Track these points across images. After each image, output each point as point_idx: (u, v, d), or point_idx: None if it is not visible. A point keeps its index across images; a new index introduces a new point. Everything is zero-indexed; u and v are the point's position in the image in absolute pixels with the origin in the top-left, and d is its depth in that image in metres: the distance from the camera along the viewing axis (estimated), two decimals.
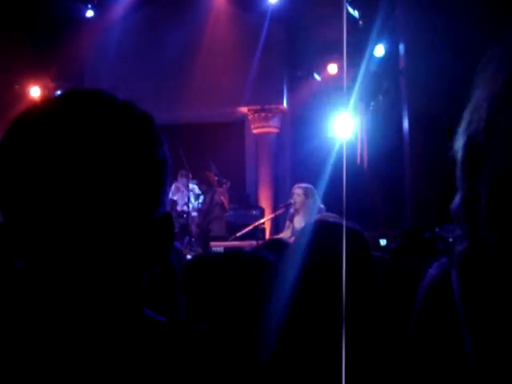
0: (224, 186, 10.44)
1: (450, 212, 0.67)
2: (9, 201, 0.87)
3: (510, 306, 0.59)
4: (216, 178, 10.42)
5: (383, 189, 9.68)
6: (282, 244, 2.91)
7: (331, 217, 5.19)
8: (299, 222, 7.67)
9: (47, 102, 0.95)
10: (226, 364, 0.95)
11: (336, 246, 2.34)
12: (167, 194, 0.98)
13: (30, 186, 0.86)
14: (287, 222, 7.94)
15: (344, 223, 2.71)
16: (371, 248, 4.34)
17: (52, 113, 0.90)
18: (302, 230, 2.54)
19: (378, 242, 5.47)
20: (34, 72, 11.52)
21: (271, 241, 3.14)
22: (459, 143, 0.68)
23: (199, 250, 7.67)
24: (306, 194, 7.71)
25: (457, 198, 0.67)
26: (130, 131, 0.92)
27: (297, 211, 7.76)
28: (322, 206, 7.60)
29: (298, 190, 7.78)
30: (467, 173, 0.66)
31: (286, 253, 2.60)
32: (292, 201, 7.88)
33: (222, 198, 10.12)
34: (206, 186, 10.38)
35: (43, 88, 11.82)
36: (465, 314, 0.65)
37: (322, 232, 2.40)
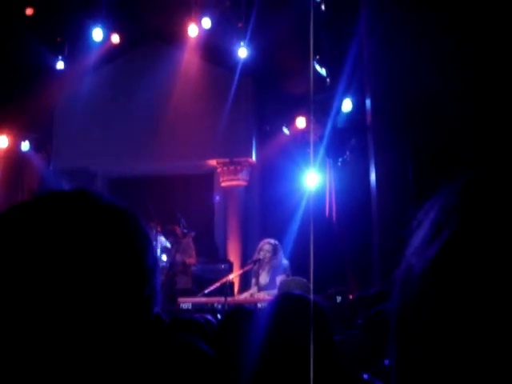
0: (187, 236, 10.37)
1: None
2: None
3: None
4: (183, 231, 10.37)
5: (351, 243, 9.71)
6: (248, 314, 2.88)
7: (296, 283, 5.22)
8: (264, 278, 7.70)
9: (28, 206, 0.92)
10: None
11: (299, 321, 2.33)
12: (156, 299, 0.95)
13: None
14: (253, 279, 7.95)
15: (311, 295, 2.71)
16: (327, 303, 4.33)
17: (32, 220, 0.88)
18: (270, 303, 2.53)
19: (335, 299, 5.60)
20: (1, 121, 11.44)
21: (237, 310, 3.11)
22: (392, 303, 0.66)
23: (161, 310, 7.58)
24: (275, 250, 7.76)
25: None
26: (116, 242, 0.89)
27: (262, 267, 7.79)
28: (286, 261, 7.63)
29: (266, 246, 7.83)
30: (396, 341, 0.64)
31: (252, 325, 2.57)
32: (260, 256, 7.90)
33: (181, 256, 10.04)
34: (173, 239, 10.32)
35: (10, 138, 11.75)
36: None
37: (286, 307, 2.39)
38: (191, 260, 10.15)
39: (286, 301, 2.40)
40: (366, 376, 2.29)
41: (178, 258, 10.06)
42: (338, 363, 2.27)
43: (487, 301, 0.55)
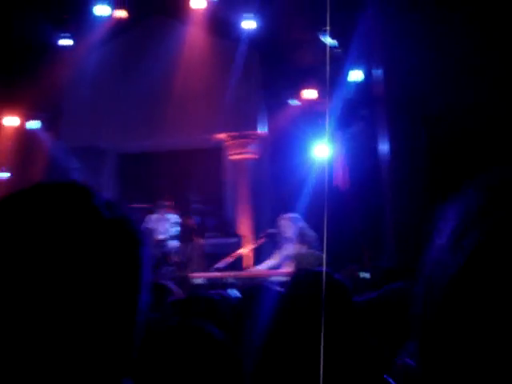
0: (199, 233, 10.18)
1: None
2: None
3: None
4: (195, 223, 10.30)
5: (363, 214, 9.69)
6: (265, 294, 2.86)
7: (312, 256, 5.20)
8: (289, 250, 7.70)
9: (19, 197, 0.91)
10: None
11: (319, 297, 2.31)
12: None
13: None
14: (277, 250, 7.95)
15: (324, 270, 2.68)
16: (352, 282, 4.29)
17: (22, 213, 0.87)
18: (295, 282, 2.49)
19: (358, 275, 5.39)
20: (9, 101, 11.41)
21: (254, 289, 3.09)
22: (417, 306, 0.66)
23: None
24: (294, 223, 7.76)
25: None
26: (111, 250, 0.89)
27: (286, 240, 7.80)
28: (313, 233, 7.60)
29: (286, 220, 7.84)
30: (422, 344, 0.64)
31: (269, 305, 2.56)
32: (274, 231, 7.92)
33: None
34: (187, 235, 10.18)
35: (19, 117, 11.73)
36: None
37: (302, 287, 2.37)
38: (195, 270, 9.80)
39: (301, 280, 2.38)
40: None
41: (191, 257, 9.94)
42: (362, 346, 2.25)
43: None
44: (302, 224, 7.81)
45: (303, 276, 2.43)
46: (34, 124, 11.95)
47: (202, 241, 10.05)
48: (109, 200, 0.94)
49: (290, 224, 7.82)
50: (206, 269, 8.96)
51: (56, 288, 0.82)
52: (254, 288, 3.10)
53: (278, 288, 3.27)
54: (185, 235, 10.10)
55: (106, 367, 0.87)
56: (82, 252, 0.85)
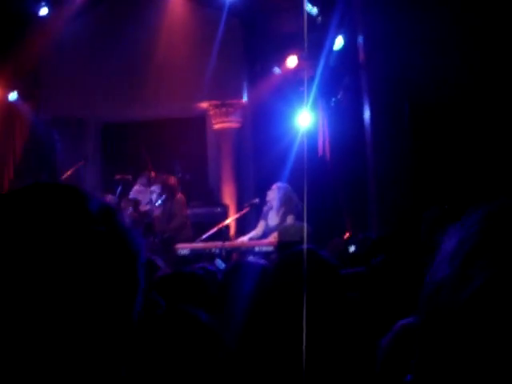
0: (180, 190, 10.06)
1: None
2: None
3: None
4: (177, 177, 10.21)
5: (346, 183, 9.71)
6: (255, 267, 2.87)
7: (296, 229, 5.24)
8: (273, 220, 7.74)
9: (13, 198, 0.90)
10: None
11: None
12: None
13: None
14: (261, 220, 7.99)
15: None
16: (338, 256, 4.29)
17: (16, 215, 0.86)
18: (281, 261, 2.50)
19: (347, 249, 5.35)
20: None
21: (241, 264, 3.10)
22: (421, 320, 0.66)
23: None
24: (279, 192, 7.80)
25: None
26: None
27: (271, 209, 7.84)
28: (300, 206, 7.65)
29: (273, 189, 7.90)
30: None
31: (254, 281, 2.57)
32: (257, 201, 7.94)
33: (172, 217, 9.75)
34: (168, 191, 10.07)
35: None
36: None
37: (293, 263, 2.37)
38: (174, 224, 9.77)
39: (287, 259, 2.38)
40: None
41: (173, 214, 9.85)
42: (351, 323, 2.27)
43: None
44: (289, 194, 7.84)
45: (289, 255, 2.43)
46: (13, 95, 11.78)
47: (183, 196, 9.98)
48: (104, 204, 0.93)
49: (276, 193, 7.85)
50: (192, 239, 8.95)
51: (50, 293, 0.82)
52: (238, 263, 3.11)
53: (262, 261, 3.28)
54: (166, 193, 9.99)
55: (107, 362, 0.88)
56: (78, 260, 0.84)
